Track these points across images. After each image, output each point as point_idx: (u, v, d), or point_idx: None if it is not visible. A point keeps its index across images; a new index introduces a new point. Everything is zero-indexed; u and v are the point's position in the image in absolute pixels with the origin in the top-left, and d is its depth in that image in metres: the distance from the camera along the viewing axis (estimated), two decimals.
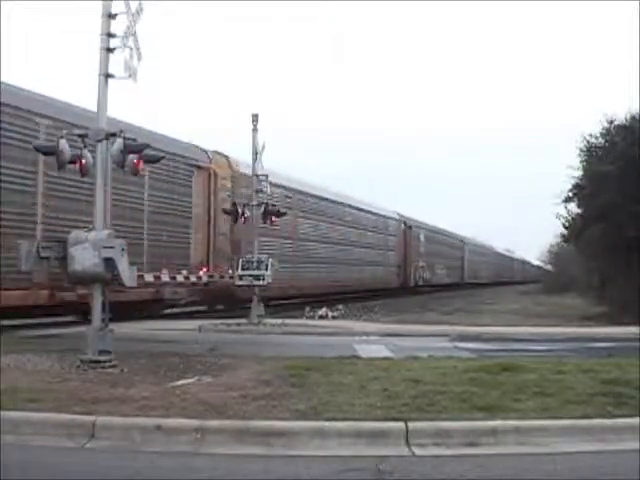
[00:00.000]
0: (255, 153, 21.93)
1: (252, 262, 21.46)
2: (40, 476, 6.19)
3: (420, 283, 52.89)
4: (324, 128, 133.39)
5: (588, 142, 27.90)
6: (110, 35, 11.30)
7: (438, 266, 59.38)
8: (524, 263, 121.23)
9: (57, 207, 17.47)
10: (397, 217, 49.59)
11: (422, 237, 54.76)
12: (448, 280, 62.65)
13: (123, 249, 11.17)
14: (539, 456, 6.92)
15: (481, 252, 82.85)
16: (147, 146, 11.93)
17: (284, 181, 30.28)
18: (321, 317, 25.08)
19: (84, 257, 10.92)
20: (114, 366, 10.67)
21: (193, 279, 23.57)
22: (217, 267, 24.88)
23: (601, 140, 27.69)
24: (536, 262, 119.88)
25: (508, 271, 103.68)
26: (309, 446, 7.07)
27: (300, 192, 32.97)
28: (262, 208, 21.93)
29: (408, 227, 51.00)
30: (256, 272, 21.27)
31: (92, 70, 11.29)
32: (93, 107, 11.73)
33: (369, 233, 42.86)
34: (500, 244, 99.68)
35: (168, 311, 24.03)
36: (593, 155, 27.67)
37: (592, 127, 28.44)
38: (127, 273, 11.25)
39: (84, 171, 11.55)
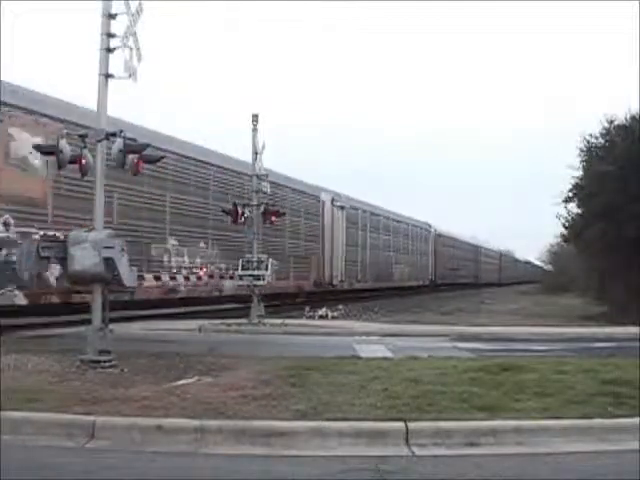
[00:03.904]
0: (255, 153, 21.94)
1: (252, 262, 21.48)
2: (40, 476, 6.19)
3: None
4: (323, 128, 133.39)
5: (588, 142, 27.97)
6: (110, 35, 11.31)
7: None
8: (503, 256, 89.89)
9: None
10: None
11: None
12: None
13: (123, 249, 11.18)
14: (539, 456, 6.92)
15: (395, 229, 47.53)
16: (148, 146, 11.94)
17: None
18: (321, 317, 25.09)
19: (84, 257, 10.93)
20: (114, 366, 10.67)
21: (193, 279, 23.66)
22: None
23: (601, 140, 27.73)
24: (524, 258, 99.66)
25: (469, 267, 70.38)
26: (309, 446, 7.07)
27: None
28: (262, 208, 21.94)
29: None
30: (256, 272, 21.31)
31: (92, 70, 11.32)
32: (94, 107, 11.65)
33: None
34: (500, 244, 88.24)
35: (168, 311, 24.04)
36: (593, 155, 27.70)
37: (592, 127, 28.53)
38: (127, 273, 11.26)
39: (84, 171, 11.57)
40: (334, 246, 35.54)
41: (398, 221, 48.76)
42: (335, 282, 35.58)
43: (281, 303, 28.50)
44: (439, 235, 58.13)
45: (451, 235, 63.21)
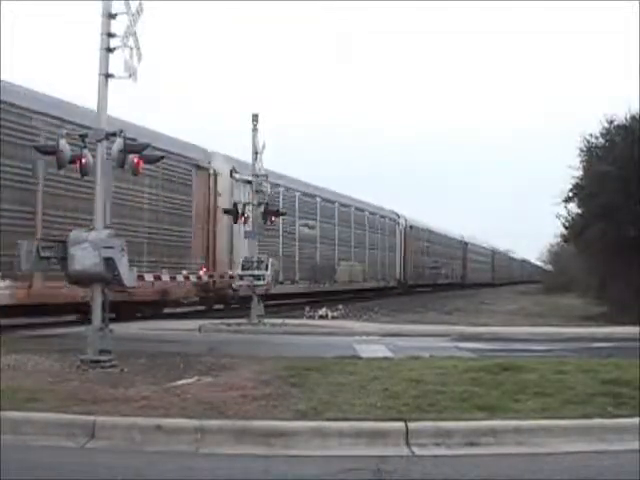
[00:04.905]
0: (255, 153, 21.94)
1: (252, 262, 21.49)
2: (40, 476, 6.19)
3: None
4: (323, 128, 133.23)
5: (588, 142, 27.91)
6: (110, 35, 11.30)
7: None
8: (496, 254, 75.67)
9: None
10: None
11: None
12: None
13: (123, 249, 11.18)
14: (539, 456, 6.92)
15: (343, 217, 37.81)
16: (147, 146, 11.94)
17: None
18: (321, 317, 25.10)
19: (84, 257, 10.93)
20: (114, 366, 10.67)
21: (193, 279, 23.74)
22: None
23: (601, 140, 27.69)
24: (521, 256, 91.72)
25: (453, 266, 60.17)
26: (309, 446, 7.07)
27: None
28: (262, 208, 21.94)
29: None
30: (256, 272, 21.31)
31: (92, 70, 11.32)
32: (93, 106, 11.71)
33: None
34: (499, 244, 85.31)
35: (168, 311, 24.06)
36: (593, 155, 27.68)
37: (592, 127, 28.48)
38: (127, 273, 11.27)
39: (84, 171, 11.57)
40: (235, 235, 25.21)
41: (346, 205, 37.89)
42: (237, 285, 23.94)
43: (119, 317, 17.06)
44: (411, 227, 48.33)
45: (428, 228, 53.23)
